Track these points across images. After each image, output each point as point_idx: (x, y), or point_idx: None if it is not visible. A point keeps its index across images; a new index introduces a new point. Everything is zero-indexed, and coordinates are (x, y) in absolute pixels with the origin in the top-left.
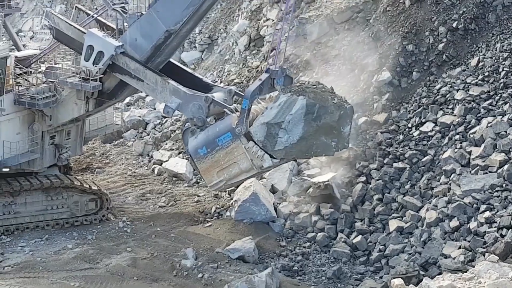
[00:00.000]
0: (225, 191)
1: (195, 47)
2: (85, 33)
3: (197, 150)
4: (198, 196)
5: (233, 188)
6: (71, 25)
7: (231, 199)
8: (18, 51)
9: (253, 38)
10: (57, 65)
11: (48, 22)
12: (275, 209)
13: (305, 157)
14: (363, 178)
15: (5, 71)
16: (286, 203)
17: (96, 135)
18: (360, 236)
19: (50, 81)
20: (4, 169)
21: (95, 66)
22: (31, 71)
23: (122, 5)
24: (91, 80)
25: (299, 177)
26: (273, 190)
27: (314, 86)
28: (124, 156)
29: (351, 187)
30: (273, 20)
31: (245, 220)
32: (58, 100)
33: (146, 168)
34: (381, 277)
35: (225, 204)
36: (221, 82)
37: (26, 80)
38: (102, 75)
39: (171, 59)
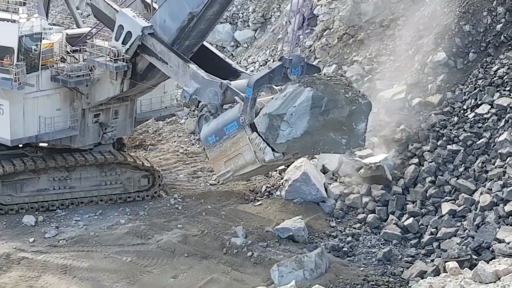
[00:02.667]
0: (275, 170)
1: (249, 26)
2: (118, 12)
3: (207, 138)
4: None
5: (271, 171)
6: (108, 3)
7: (282, 178)
8: (78, 28)
9: (306, 17)
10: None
11: (90, 1)
12: (326, 189)
13: (310, 153)
14: (415, 160)
15: (40, 46)
16: (337, 184)
17: (150, 117)
18: (411, 218)
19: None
20: (41, 144)
21: (123, 46)
22: (79, 49)
23: None
24: (119, 60)
25: (350, 158)
26: (324, 170)
27: (329, 78)
28: (177, 133)
29: (403, 169)
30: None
31: (295, 200)
32: (91, 79)
33: (198, 146)
34: (432, 260)
35: (275, 183)
36: (273, 61)
37: (74, 58)
38: (132, 56)
39: (205, 43)
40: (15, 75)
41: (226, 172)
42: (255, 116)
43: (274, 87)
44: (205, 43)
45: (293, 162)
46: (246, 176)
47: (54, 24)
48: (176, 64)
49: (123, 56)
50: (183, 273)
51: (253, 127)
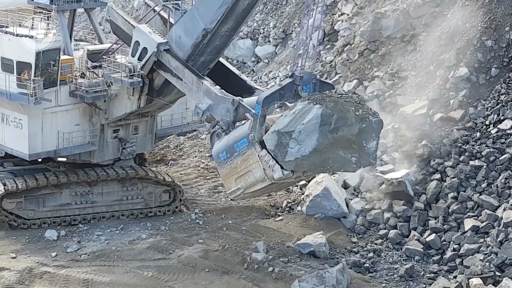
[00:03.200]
0: (296, 185)
1: (269, 41)
2: (134, 28)
3: (219, 154)
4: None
5: (292, 185)
6: (126, 20)
7: (303, 193)
8: (101, 44)
9: (327, 33)
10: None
11: (109, 16)
12: (347, 205)
13: (320, 171)
14: (437, 176)
15: (59, 62)
16: (358, 199)
17: (171, 133)
18: (433, 234)
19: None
20: (60, 158)
21: (139, 62)
22: (99, 65)
23: (177, 1)
24: (135, 76)
25: (371, 173)
26: (345, 186)
27: (339, 95)
28: (198, 148)
29: (425, 184)
30: (348, 15)
31: (316, 215)
32: (108, 95)
33: None
34: (455, 277)
35: (296, 198)
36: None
37: (94, 73)
38: (148, 72)
39: (221, 60)
40: (32, 90)
41: (237, 189)
42: (265, 133)
43: (288, 104)
44: (221, 59)
45: (304, 179)
46: (257, 194)
47: (81, 40)
48: (190, 81)
49: (138, 72)
50: None
51: (263, 144)
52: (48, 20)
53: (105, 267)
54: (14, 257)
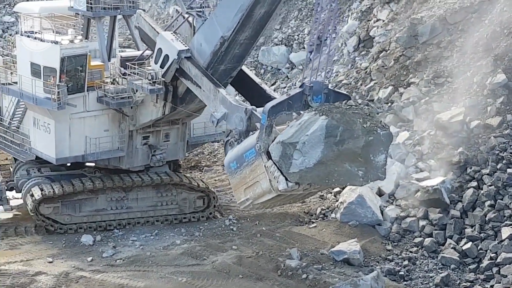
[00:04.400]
0: (331, 192)
1: (304, 47)
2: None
3: (230, 164)
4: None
5: (328, 191)
6: (153, 27)
7: (337, 200)
8: (138, 50)
9: (362, 39)
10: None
11: (138, 23)
12: (382, 212)
13: (325, 184)
14: (474, 183)
15: (86, 68)
16: (393, 207)
17: (204, 141)
18: (470, 242)
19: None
20: (88, 164)
21: (161, 69)
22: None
23: (200, 9)
24: (157, 83)
25: (407, 181)
26: (380, 193)
27: (349, 107)
28: None
29: (461, 192)
30: (383, 21)
31: (350, 222)
32: (134, 101)
33: None
34: (491, 286)
35: (330, 205)
36: (329, 83)
37: (126, 80)
38: (171, 80)
39: (243, 68)
40: (56, 95)
41: (246, 200)
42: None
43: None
44: (244, 68)
45: (314, 192)
46: (268, 205)
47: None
48: (208, 88)
49: (159, 79)
50: None
51: (269, 155)
52: (75, 26)
53: (140, 272)
54: (51, 262)
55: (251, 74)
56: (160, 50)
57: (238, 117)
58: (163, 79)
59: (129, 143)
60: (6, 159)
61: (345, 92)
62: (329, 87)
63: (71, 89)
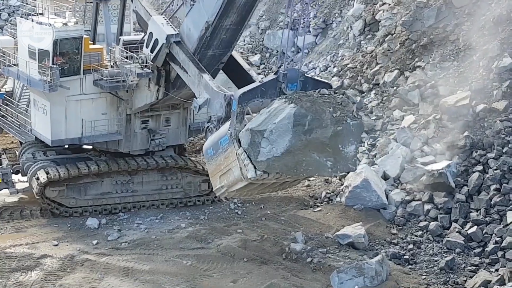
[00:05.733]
0: (336, 177)
1: (309, 31)
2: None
3: (207, 150)
4: (309, 180)
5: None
6: (147, 11)
7: (342, 184)
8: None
9: (368, 23)
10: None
11: (135, 7)
12: (387, 196)
13: (293, 174)
14: (479, 167)
15: (81, 51)
16: (398, 190)
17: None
18: (475, 226)
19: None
20: (85, 146)
21: (151, 53)
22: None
23: None
24: (147, 67)
25: (412, 164)
26: (385, 177)
27: (320, 95)
28: None
29: (466, 176)
30: (389, 5)
31: (355, 206)
32: (127, 85)
33: None
34: (496, 270)
35: (335, 189)
36: (334, 67)
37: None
38: (162, 64)
39: (233, 54)
40: (47, 77)
41: (221, 187)
42: None
43: None
44: (234, 53)
45: (291, 180)
46: (243, 194)
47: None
48: (193, 74)
49: (147, 63)
50: (243, 278)
51: (240, 142)
52: (73, 9)
53: (145, 255)
54: (56, 245)
55: (241, 60)
56: (151, 34)
57: (218, 103)
58: (153, 63)
59: (127, 126)
60: (12, 142)
61: (325, 80)
62: (307, 75)
63: (67, 71)
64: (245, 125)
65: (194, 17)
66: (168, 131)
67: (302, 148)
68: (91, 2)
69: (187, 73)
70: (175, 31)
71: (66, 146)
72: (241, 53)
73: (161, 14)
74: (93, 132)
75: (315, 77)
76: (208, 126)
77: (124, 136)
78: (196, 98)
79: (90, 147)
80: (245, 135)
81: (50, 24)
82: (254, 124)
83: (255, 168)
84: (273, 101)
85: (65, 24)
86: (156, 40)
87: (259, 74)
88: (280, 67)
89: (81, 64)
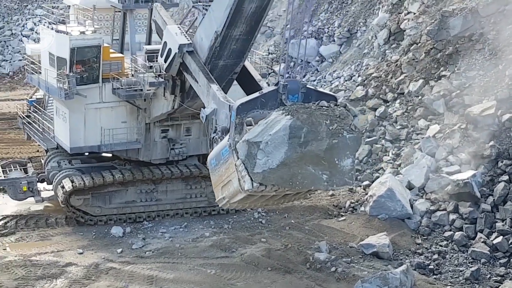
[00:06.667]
0: (359, 186)
1: (334, 40)
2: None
3: (211, 161)
4: (333, 190)
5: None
6: (164, 20)
7: (366, 194)
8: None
9: (393, 32)
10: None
11: (154, 16)
12: (411, 206)
13: (289, 187)
14: (505, 177)
15: (100, 59)
16: (423, 200)
17: None
18: (501, 237)
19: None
20: (104, 154)
21: (165, 63)
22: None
23: (206, 4)
24: (160, 76)
25: (437, 174)
26: (410, 186)
27: (319, 108)
28: None
29: (492, 186)
30: (414, 14)
31: (380, 216)
32: (144, 94)
33: None
34: None
35: (360, 199)
36: (359, 76)
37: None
38: (177, 74)
39: (246, 64)
40: (64, 85)
41: (222, 198)
42: None
43: None
44: (246, 64)
45: (291, 193)
46: (245, 205)
47: None
48: (203, 83)
49: (160, 73)
50: (267, 287)
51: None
52: (94, 18)
53: (169, 264)
54: (81, 253)
55: (253, 70)
56: (165, 43)
57: (223, 114)
58: (166, 72)
59: (147, 135)
60: (38, 151)
61: (330, 93)
62: (310, 87)
63: (86, 79)
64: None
65: (205, 27)
66: (189, 141)
67: (298, 161)
68: (120, 12)
69: (197, 83)
70: (188, 40)
71: (87, 154)
72: (256, 63)
73: (179, 24)
74: (112, 140)
75: (319, 89)
76: (213, 137)
77: (143, 145)
78: (203, 108)
79: (110, 155)
80: (242, 146)
81: (68, 33)
82: (251, 135)
83: (251, 180)
84: (271, 112)
85: (83, 32)
86: (170, 50)
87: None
88: (289, 77)
89: (100, 72)
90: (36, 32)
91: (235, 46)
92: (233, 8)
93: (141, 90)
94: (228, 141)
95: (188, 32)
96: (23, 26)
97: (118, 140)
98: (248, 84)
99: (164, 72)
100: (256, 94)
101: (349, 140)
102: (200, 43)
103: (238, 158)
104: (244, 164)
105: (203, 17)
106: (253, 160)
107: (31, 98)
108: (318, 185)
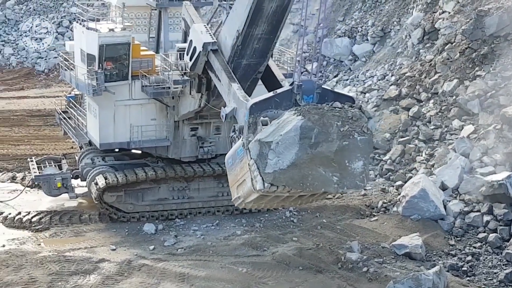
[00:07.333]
0: (392, 186)
1: (367, 39)
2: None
3: (228, 160)
4: (365, 189)
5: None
6: (192, 19)
7: (399, 194)
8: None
9: (427, 31)
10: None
11: (183, 15)
12: (445, 207)
13: (299, 188)
14: None
15: (129, 56)
16: (457, 201)
17: None
18: None
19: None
20: (134, 150)
21: (190, 61)
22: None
23: (232, 2)
24: (185, 74)
25: (471, 175)
26: (443, 187)
27: (332, 109)
28: None
29: None
30: (449, 13)
31: (412, 216)
32: (171, 92)
33: None
34: None
35: (392, 199)
36: (392, 76)
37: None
38: (202, 72)
39: (270, 63)
40: (91, 81)
41: (238, 197)
42: None
43: None
44: (270, 63)
45: (305, 194)
46: (261, 206)
47: None
48: (225, 82)
49: (185, 71)
50: (298, 286)
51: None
52: (122, 15)
53: (201, 261)
54: (114, 249)
55: (276, 70)
56: (191, 41)
57: (242, 113)
58: (191, 71)
59: (176, 133)
60: (72, 147)
61: (348, 94)
62: (326, 87)
63: (115, 76)
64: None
65: (229, 26)
66: (218, 140)
67: (308, 162)
68: (156, 10)
69: (220, 81)
70: (213, 39)
71: (117, 150)
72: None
73: (208, 23)
74: (141, 137)
75: (335, 90)
76: (232, 136)
77: (172, 142)
78: (224, 107)
79: (139, 152)
80: (254, 146)
81: (97, 30)
82: (262, 135)
83: (263, 180)
84: (283, 112)
85: (112, 30)
86: (195, 48)
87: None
88: (295, 78)
89: (129, 69)
90: (70, 30)
91: (257, 45)
92: (253, 7)
93: (169, 88)
94: (241, 140)
95: (217, 31)
96: (59, 24)
97: (147, 137)
98: (271, 83)
99: (189, 71)
100: (270, 94)
101: (360, 142)
102: (224, 42)
103: (251, 158)
104: (256, 164)
105: (227, 16)
106: (264, 160)
107: (70, 94)
108: (328, 187)
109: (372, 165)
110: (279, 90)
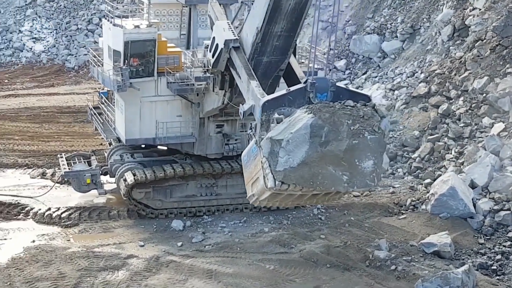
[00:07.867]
0: (421, 184)
1: (397, 36)
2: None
3: (244, 157)
4: (393, 187)
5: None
6: (216, 16)
7: (428, 192)
8: None
9: (457, 28)
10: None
11: (209, 12)
12: (474, 205)
13: (309, 186)
14: None
15: (155, 53)
16: (486, 199)
17: None
18: None
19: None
20: (159, 146)
21: (212, 58)
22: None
23: None
24: (208, 71)
25: (501, 173)
26: (473, 185)
27: (343, 107)
28: None
29: None
30: (480, 10)
31: (441, 214)
32: (195, 89)
33: None
34: None
35: (421, 197)
36: (421, 73)
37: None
38: (225, 69)
39: (291, 61)
40: (117, 77)
41: (252, 195)
42: None
43: None
44: (292, 60)
45: (318, 192)
46: (275, 204)
47: None
48: (244, 79)
49: (207, 68)
50: (326, 284)
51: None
52: (147, 12)
53: (229, 258)
54: (142, 245)
55: (297, 68)
56: (214, 38)
57: (257, 110)
58: (213, 68)
59: (201, 130)
60: (101, 144)
61: (363, 92)
62: (341, 85)
63: (141, 73)
64: None
65: (249, 23)
66: (244, 137)
67: (318, 160)
68: (187, 7)
69: (240, 79)
70: (235, 36)
71: (143, 146)
72: (302, 62)
73: (232, 21)
74: (167, 133)
75: (351, 88)
76: (249, 133)
77: (198, 139)
78: (242, 104)
79: (165, 149)
80: (265, 143)
81: (122, 26)
82: (274, 133)
83: (274, 178)
84: (295, 110)
85: (137, 26)
86: (217, 45)
87: (344, 79)
88: (309, 75)
89: (155, 66)
90: (100, 27)
91: (277, 43)
92: (271, 4)
93: (192, 85)
94: (254, 137)
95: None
96: (89, 21)
97: (173, 134)
98: (292, 81)
99: (211, 67)
100: (283, 91)
101: (370, 141)
102: (245, 39)
103: (263, 156)
104: (268, 162)
105: (248, 13)
106: (275, 158)
107: (103, 90)
108: (338, 186)
109: (401, 163)
110: (292, 88)
